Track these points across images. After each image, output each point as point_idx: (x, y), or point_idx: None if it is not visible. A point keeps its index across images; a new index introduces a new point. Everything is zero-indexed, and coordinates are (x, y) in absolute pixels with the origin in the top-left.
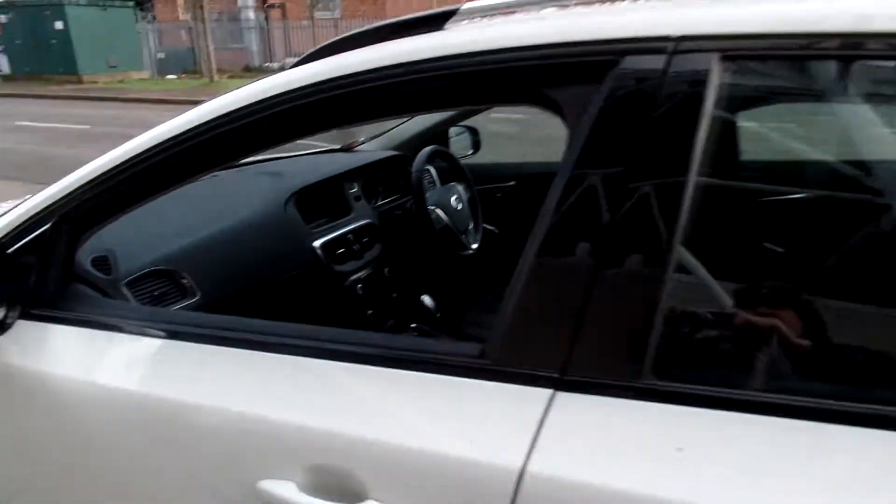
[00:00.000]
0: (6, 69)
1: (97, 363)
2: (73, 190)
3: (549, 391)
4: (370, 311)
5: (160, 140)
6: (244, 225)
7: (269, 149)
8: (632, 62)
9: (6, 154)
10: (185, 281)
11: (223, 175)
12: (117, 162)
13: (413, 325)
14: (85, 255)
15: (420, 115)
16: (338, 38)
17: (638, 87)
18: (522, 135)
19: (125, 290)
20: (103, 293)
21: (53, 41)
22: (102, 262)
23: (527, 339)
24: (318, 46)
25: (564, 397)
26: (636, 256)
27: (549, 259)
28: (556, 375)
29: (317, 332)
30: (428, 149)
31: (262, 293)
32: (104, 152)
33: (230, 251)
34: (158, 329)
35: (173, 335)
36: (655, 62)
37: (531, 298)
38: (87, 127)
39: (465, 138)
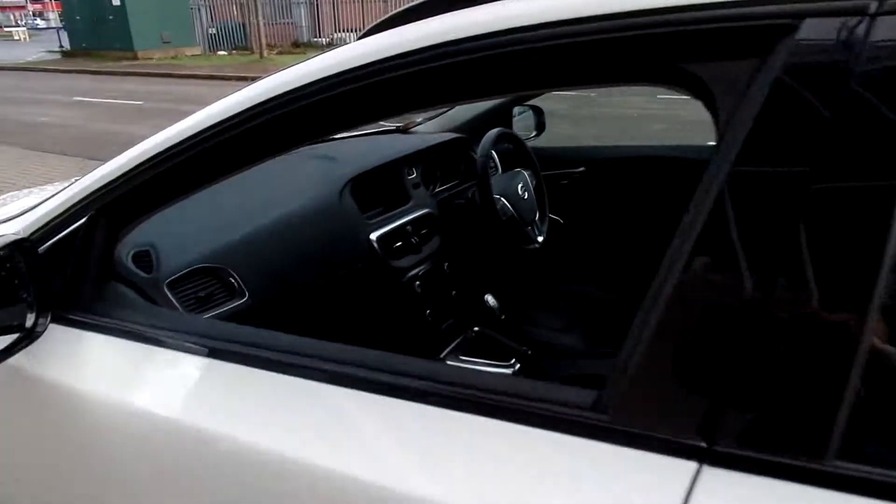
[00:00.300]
0: (66, 45)
1: (131, 380)
2: (112, 181)
3: (692, 464)
4: (428, 311)
5: (207, 125)
6: (296, 216)
7: (334, 133)
8: (815, 27)
9: (64, 130)
10: (232, 280)
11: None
12: (160, 149)
13: (476, 329)
14: (124, 249)
15: (519, 94)
16: (414, 3)
17: (825, 61)
18: (574, 113)
19: (167, 292)
20: (143, 294)
21: (111, 17)
22: (143, 258)
23: (662, 391)
24: (390, 14)
25: (714, 475)
26: (826, 290)
27: (696, 288)
28: (702, 444)
29: (384, 360)
30: (494, 131)
31: (313, 292)
32: (157, 129)
33: (281, 246)
34: (200, 344)
35: (215, 353)
36: (850, 27)
37: (670, 338)
38: (141, 103)
39: (529, 118)
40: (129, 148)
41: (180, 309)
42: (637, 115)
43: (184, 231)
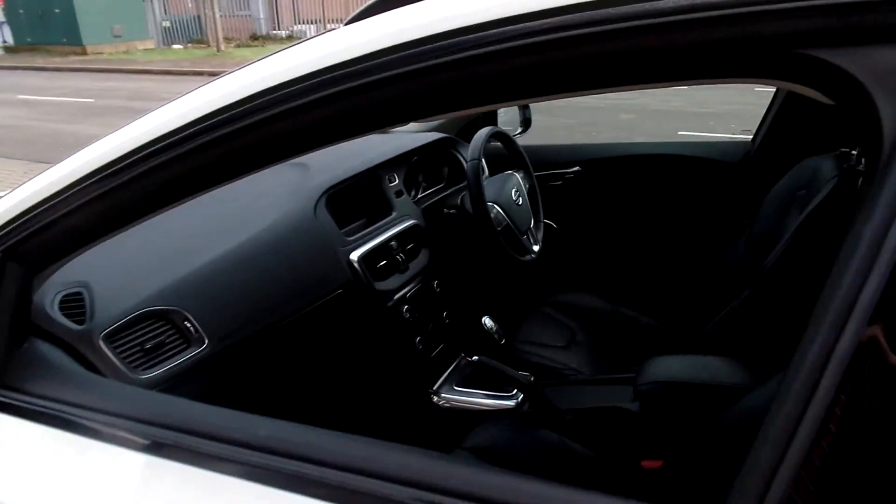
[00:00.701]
0: (9, 40)
1: (45, 489)
2: (20, 215)
3: None
4: (418, 339)
5: (147, 140)
6: (264, 239)
7: (312, 150)
8: None
9: (9, 130)
10: (188, 325)
11: None
12: (81, 174)
13: (475, 358)
14: (49, 293)
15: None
16: None
17: None
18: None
19: (104, 347)
20: (74, 352)
21: (57, 10)
22: (74, 303)
23: None
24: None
25: None
26: None
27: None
28: None
29: (400, 460)
30: (485, 131)
31: (287, 331)
32: (108, 126)
33: (247, 278)
34: (140, 434)
35: (159, 449)
36: None
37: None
38: (91, 100)
39: (514, 114)
40: (77, 150)
41: (121, 367)
42: (605, 106)
43: (126, 265)
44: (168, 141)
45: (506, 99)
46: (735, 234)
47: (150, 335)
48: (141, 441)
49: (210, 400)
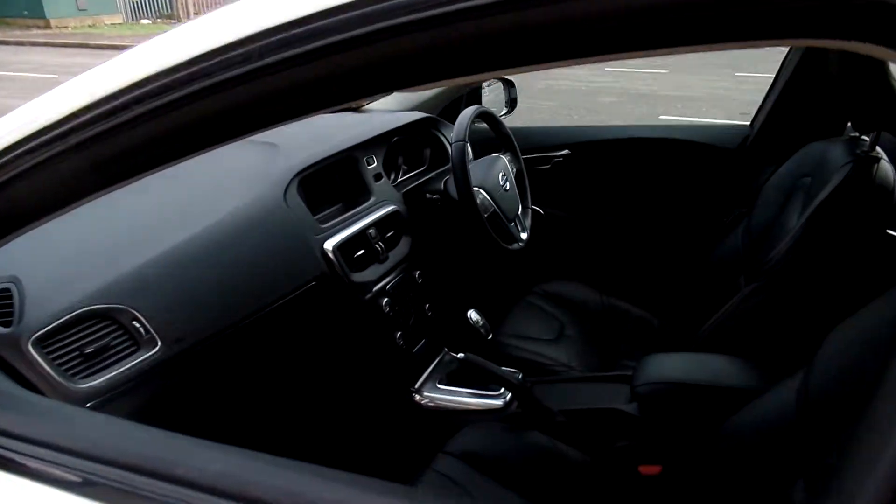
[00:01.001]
0: None
1: None
2: None
3: None
4: (399, 333)
5: (94, 99)
6: (227, 226)
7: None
8: None
9: None
10: (137, 325)
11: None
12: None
13: (460, 356)
14: None
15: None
16: None
17: None
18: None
19: (34, 353)
20: None
21: None
22: (2, 301)
23: None
24: None
25: None
26: None
27: None
28: None
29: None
30: (470, 110)
31: (254, 328)
32: None
33: (207, 270)
34: (73, 468)
35: (91, 489)
36: None
37: None
38: (55, 76)
39: (499, 93)
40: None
41: (54, 376)
42: (586, 89)
43: (64, 257)
44: (110, 107)
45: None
46: (732, 223)
47: (92, 338)
48: (65, 477)
49: (162, 412)
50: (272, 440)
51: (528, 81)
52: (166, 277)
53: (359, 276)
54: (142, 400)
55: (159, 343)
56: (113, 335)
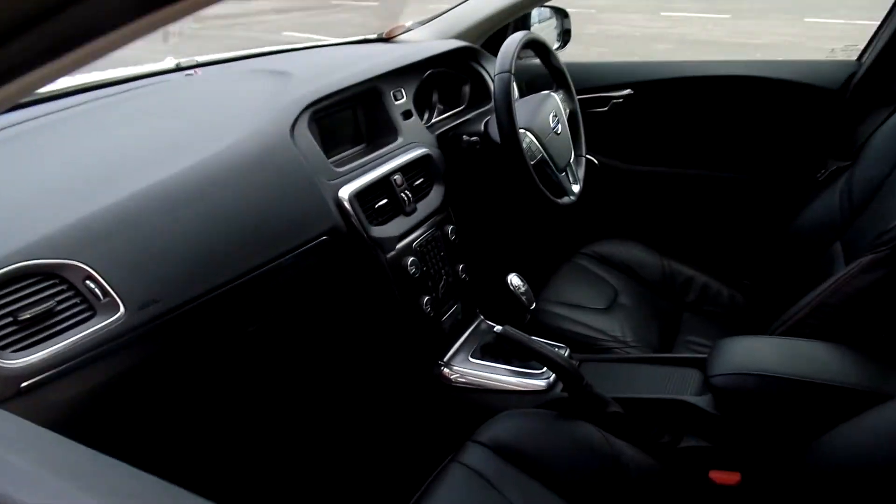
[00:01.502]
0: None
1: None
2: None
3: None
4: (427, 299)
5: None
6: (218, 167)
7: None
8: None
9: None
10: (91, 285)
11: (189, 78)
12: None
13: (497, 329)
14: None
15: None
16: None
17: None
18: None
19: None
20: None
21: None
22: None
23: None
24: None
25: None
26: None
27: None
28: None
29: None
30: (517, 36)
31: (247, 292)
32: None
33: (190, 218)
34: None
35: None
36: None
37: None
38: None
39: (550, 25)
40: None
41: None
42: (640, 35)
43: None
44: None
45: None
46: (827, 179)
47: (31, 301)
48: None
49: (124, 400)
50: (271, 437)
51: (579, 26)
52: (133, 226)
53: (380, 231)
54: (96, 381)
55: (122, 308)
56: (59, 298)
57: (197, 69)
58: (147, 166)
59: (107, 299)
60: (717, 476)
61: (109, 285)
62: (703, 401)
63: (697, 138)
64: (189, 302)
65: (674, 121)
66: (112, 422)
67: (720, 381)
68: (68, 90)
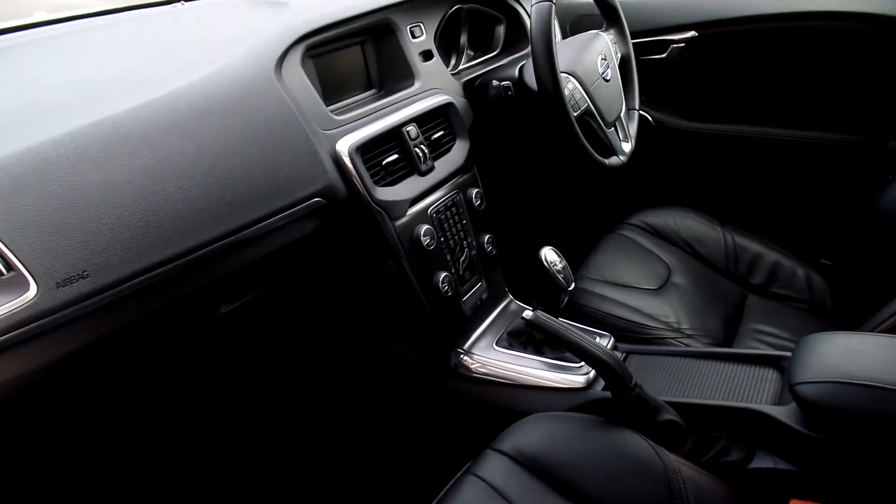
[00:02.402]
0: None
1: None
2: None
3: None
4: (444, 276)
5: None
6: (171, 107)
7: None
8: None
9: None
10: None
11: (171, 9)
12: None
13: (527, 313)
14: None
15: None
16: None
17: None
18: None
19: None
20: None
21: None
22: None
23: None
24: None
25: None
26: None
27: None
28: None
29: None
30: None
31: (211, 268)
32: None
33: (125, 173)
34: None
35: None
36: None
37: None
38: None
39: None
40: None
41: None
42: None
43: None
44: None
45: None
46: None
47: None
48: None
49: (35, 408)
50: (256, 445)
51: None
52: (51, 181)
53: (387, 193)
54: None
55: (32, 285)
56: None
57: (184, 1)
58: (83, 105)
59: (11, 274)
60: None
61: (16, 255)
62: (783, 412)
63: (773, 91)
64: (131, 277)
65: (746, 70)
66: (28, 433)
67: (809, 391)
68: (44, 21)
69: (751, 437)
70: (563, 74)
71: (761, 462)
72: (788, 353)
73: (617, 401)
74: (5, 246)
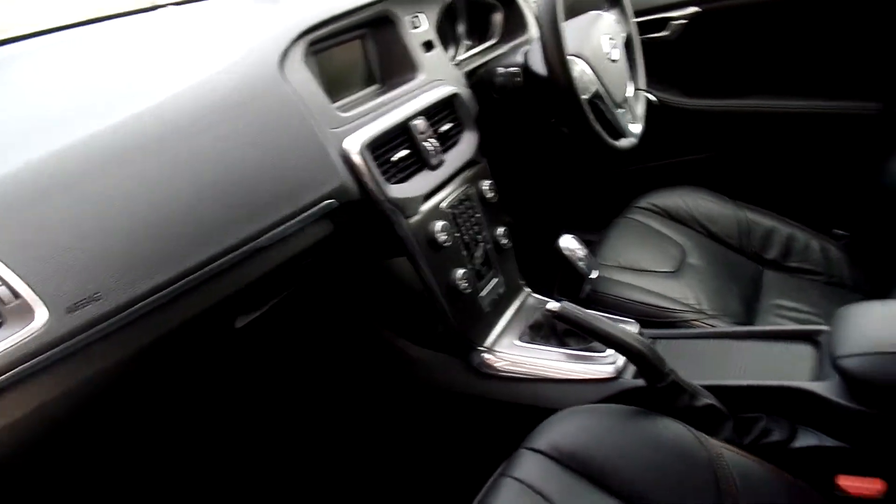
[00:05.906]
0: None
1: None
2: None
3: None
4: (461, 272)
5: None
6: (173, 112)
7: None
8: None
9: None
10: None
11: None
12: None
13: (551, 306)
14: None
15: None
16: None
17: None
18: None
19: None
20: None
21: None
22: None
23: None
24: None
25: None
26: None
27: None
28: None
29: None
30: None
31: (227, 278)
32: None
33: (132, 187)
34: None
35: None
36: None
37: None
38: None
39: None
40: None
41: None
42: None
43: None
44: None
45: None
46: None
47: None
48: None
49: (61, 437)
50: (278, 458)
51: None
52: (56, 197)
53: (399, 190)
54: (13, 417)
55: (41, 312)
56: None
57: (169, 5)
58: (77, 119)
59: (18, 301)
60: (849, 483)
61: (28, 280)
62: (825, 387)
63: (781, 62)
64: (148, 294)
65: (753, 42)
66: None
67: (854, 364)
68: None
69: (792, 416)
70: (569, 57)
71: (805, 440)
72: (823, 327)
73: (652, 388)
74: (18, 272)
